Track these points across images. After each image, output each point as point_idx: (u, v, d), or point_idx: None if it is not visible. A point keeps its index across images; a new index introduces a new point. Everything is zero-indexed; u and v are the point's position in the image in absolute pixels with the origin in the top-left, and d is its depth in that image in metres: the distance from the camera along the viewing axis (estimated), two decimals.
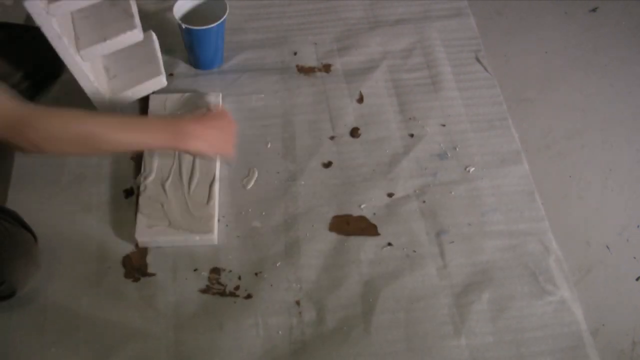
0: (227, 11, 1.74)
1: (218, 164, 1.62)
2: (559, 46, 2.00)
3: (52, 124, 1.25)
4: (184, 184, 1.58)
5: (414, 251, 1.53)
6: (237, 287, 1.48)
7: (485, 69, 1.86)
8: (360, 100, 1.80)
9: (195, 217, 1.54)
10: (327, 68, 1.86)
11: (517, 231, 1.56)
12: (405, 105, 1.79)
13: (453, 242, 1.55)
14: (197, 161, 1.60)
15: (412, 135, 1.72)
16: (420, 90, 1.82)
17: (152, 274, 1.50)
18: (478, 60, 1.88)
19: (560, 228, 1.59)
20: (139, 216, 1.54)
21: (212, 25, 1.71)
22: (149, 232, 1.52)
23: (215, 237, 1.54)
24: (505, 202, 1.61)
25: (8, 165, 1.66)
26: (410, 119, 1.76)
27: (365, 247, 1.54)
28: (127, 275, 1.49)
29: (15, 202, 1.58)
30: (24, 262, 1.40)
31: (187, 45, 1.80)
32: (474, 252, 1.53)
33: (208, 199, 1.56)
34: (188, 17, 1.79)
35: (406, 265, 1.51)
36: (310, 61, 1.87)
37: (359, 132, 1.73)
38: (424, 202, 1.60)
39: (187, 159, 1.60)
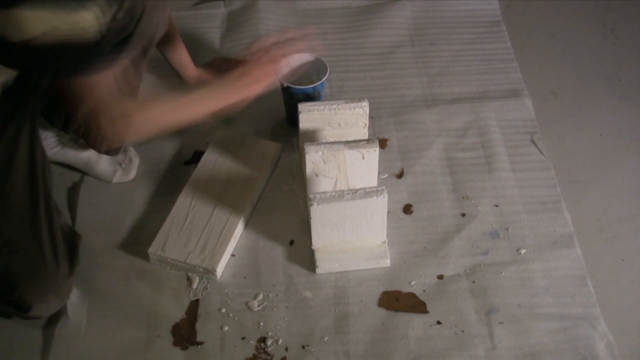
0: (328, 72, 1.81)
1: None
2: (614, 129, 1.99)
3: (143, 120, 1.41)
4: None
5: (463, 331, 1.52)
6: (283, 359, 1.48)
7: (540, 152, 1.87)
8: (414, 177, 1.82)
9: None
10: (382, 143, 1.89)
11: (567, 315, 1.54)
12: (458, 184, 1.80)
13: (502, 322, 1.53)
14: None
15: (464, 215, 1.73)
16: (474, 170, 1.83)
17: (201, 343, 1.51)
18: (533, 142, 1.89)
19: (612, 313, 1.56)
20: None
21: (312, 85, 1.79)
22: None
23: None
24: (556, 285, 1.59)
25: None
26: (463, 197, 1.77)
27: (414, 324, 1.53)
28: (176, 343, 1.51)
29: None
30: (44, 290, 1.46)
31: (287, 103, 1.88)
32: (523, 333, 1.52)
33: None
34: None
35: (454, 345, 1.50)
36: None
37: (412, 208, 1.75)
38: (474, 282, 1.60)
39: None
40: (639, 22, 2.31)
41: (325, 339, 1.51)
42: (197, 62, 1.86)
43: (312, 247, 1.62)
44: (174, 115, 1.47)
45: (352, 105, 1.71)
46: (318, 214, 1.54)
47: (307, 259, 1.64)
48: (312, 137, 1.72)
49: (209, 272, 1.60)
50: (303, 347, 1.50)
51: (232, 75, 1.53)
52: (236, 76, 1.53)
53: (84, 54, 1.21)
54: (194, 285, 1.60)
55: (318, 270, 1.61)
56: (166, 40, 1.72)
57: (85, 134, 1.65)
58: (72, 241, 1.59)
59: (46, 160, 1.49)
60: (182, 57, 1.81)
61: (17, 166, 1.43)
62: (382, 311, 1.56)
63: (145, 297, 1.58)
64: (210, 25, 2.22)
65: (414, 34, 2.22)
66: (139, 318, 1.55)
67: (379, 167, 1.70)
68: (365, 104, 1.71)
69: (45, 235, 1.46)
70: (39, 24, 1.12)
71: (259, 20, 2.19)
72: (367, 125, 1.75)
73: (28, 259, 1.43)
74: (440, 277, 1.62)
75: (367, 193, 1.53)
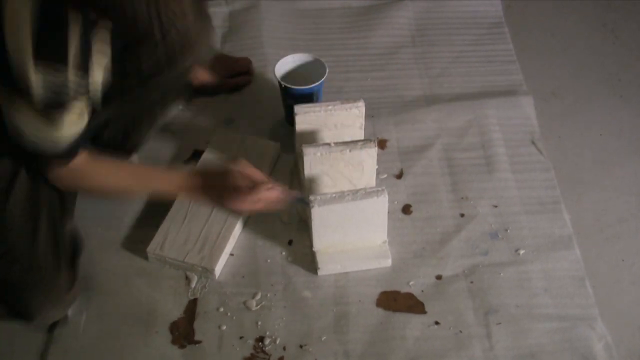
0: (327, 72, 1.81)
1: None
2: (614, 129, 1.99)
3: (96, 177, 1.46)
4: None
5: (461, 331, 1.52)
6: (281, 358, 1.48)
7: (541, 152, 1.87)
8: (414, 177, 1.82)
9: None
10: (382, 144, 1.89)
11: (566, 316, 1.54)
12: (457, 185, 1.80)
13: (500, 323, 1.53)
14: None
15: (463, 215, 1.73)
16: (473, 171, 1.83)
17: (199, 342, 1.51)
18: (533, 143, 1.89)
19: (611, 313, 1.56)
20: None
21: (311, 85, 1.79)
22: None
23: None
24: (554, 286, 1.59)
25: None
26: (462, 198, 1.77)
27: (412, 324, 1.53)
28: (174, 341, 1.51)
29: None
30: (45, 300, 1.48)
31: (286, 104, 1.88)
32: (521, 334, 1.52)
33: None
34: (288, 76, 1.86)
35: (452, 345, 1.50)
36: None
37: (411, 209, 1.75)
38: (472, 282, 1.60)
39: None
40: (639, 22, 2.31)
41: (323, 339, 1.51)
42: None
43: (313, 249, 1.62)
44: (122, 181, 1.50)
45: (348, 106, 1.70)
46: (319, 215, 1.54)
47: (305, 259, 1.65)
48: (308, 138, 1.72)
49: (208, 271, 1.60)
50: (301, 346, 1.50)
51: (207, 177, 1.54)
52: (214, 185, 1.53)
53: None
54: (193, 284, 1.60)
55: (320, 272, 1.61)
56: None
57: None
58: (76, 248, 1.59)
59: None
60: None
61: (22, 178, 1.44)
62: (381, 311, 1.56)
63: (144, 295, 1.59)
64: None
65: (416, 34, 2.23)
66: (137, 316, 1.55)
67: (379, 168, 1.70)
68: (361, 105, 1.71)
69: (46, 245, 1.47)
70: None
71: (261, 21, 2.20)
72: (363, 125, 1.75)
73: (28, 269, 1.45)
74: (439, 277, 1.62)
75: (367, 193, 1.53)
